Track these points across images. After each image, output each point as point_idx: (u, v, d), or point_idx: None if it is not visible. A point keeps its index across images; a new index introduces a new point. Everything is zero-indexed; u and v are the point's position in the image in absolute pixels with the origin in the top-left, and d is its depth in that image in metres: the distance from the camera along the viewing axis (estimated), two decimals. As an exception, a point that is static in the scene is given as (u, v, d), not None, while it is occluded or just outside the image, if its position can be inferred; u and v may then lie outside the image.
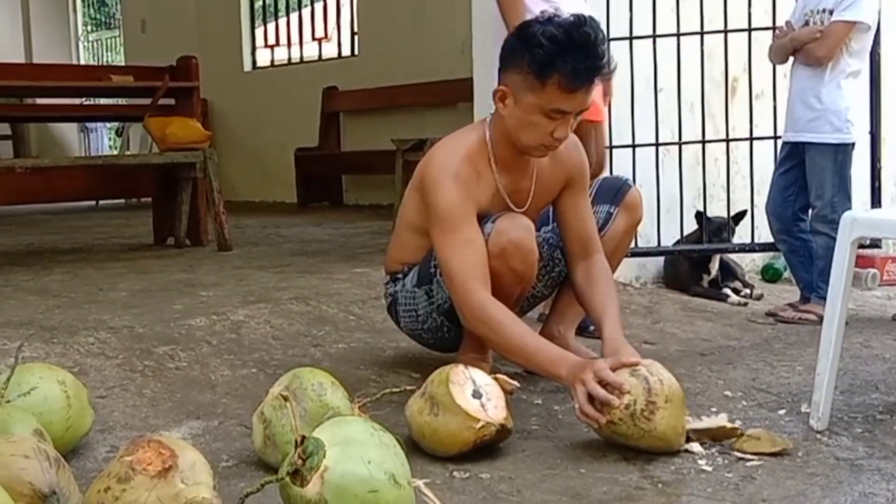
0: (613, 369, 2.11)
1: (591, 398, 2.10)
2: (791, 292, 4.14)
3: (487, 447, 2.11)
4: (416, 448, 2.12)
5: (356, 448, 1.63)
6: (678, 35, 4.04)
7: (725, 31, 4.05)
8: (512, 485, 1.97)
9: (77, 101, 10.08)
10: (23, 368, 2.11)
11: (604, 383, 2.09)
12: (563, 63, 2.29)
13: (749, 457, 2.09)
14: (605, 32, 2.42)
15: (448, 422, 2.08)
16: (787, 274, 4.54)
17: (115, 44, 13.68)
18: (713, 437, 2.17)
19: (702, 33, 4.05)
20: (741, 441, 2.14)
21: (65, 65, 10.03)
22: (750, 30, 4.05)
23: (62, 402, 2.08)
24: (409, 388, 2.21)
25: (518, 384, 2.23)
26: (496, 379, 2.18)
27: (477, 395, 2.11)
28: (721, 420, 2.21)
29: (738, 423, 2.25)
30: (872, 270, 4.50)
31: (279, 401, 2.01)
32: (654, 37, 4.02)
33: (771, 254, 4.59)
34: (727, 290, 4.16)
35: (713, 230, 4.11)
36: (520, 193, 2.59)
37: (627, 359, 2.14)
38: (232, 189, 8.76)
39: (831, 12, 3.53)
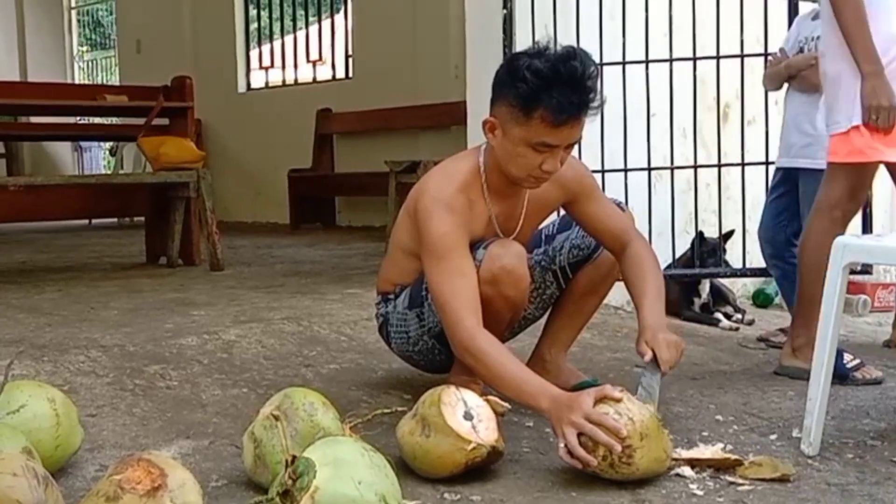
0: (596, 401, 2.10)
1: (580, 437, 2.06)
2: (782, 318, 4.15)
3: (478, 469, 2.10)
4: (406, 469, 2.11)
5: (347, 469, 1.63)
6: (671, 60, 4.06)
7: (718, 58, 4.08)
8: (503, 507, 1.96)
9: (71, 120, 10.10)
10: (12, 386, 2.11)
11: (598, 424, 2.05)
12: (547, 97, 2.28)
13: (740, 481, 2.09)
14: (598, 66, 2.39)
15: (439, 443, 2.07)
16: (777, 299, 4.55)
17: (110, 64, 13.71)
18: (715, 466, 2.16)
19: (694, 59, 4.07)
20: (743, 468, 2.13)
21: (59, 83, 10.04)
22: (742, 56, 4.08)
23: (51, 421, 2.07)
24: (400, 409, 2.21)
25: (510, 406, 2.22)
26: (488, 401, 2.17)
27: (468, 416, 2.10)
28: (718, 450, 2.21)
29: (729, 448, 2.25)
30: (863, 297, 4.51)
31: (270, 420, 2.00)
32: (647, 62, 4.05)
33: (762, 279, 4.60)
34: (718, 315, 4.17)
35: (708, 251, 4.12)
36: (511, 220, 2.60)
37: (610, 392, 2.12)
38: (225, 209, 8.76)
39: (825, 39, 3.55)
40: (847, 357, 3.09)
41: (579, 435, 2.06)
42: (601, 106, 2.37)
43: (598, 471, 2.06)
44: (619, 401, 2.09)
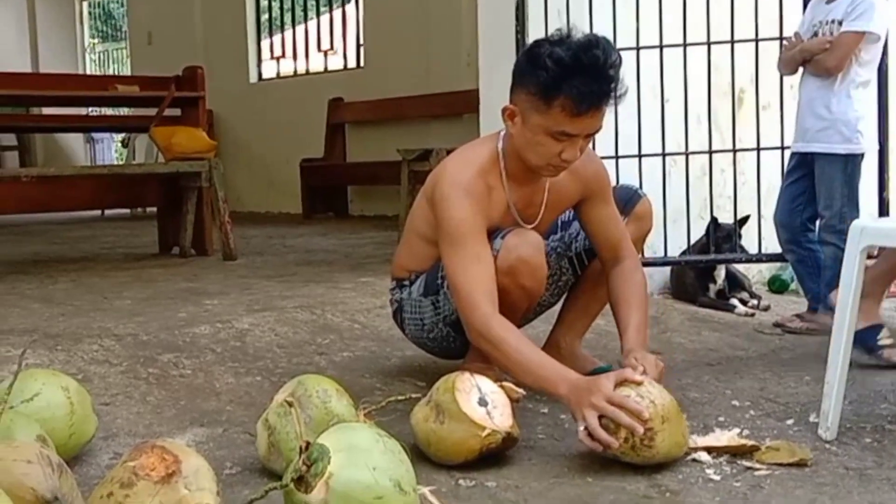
0: (616, 384, 2.08)
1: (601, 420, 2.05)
2: (798, 304, 4.12)
3: (493, 455, 2.09)
4: (421, 456, 2.10)
5: (361, 454, 1.62)
6: (685, 45, 4.03)
7: (732, 42, 4.04)
8: (518, 493, 1.95)
9: (83, 111, 10.11)
10: (26, 374, 2.10)
11: (620, 407, 2.04)
12: (568, 87, 2.26)
13: (757, 466, 2.07)
14: (619, 54, 2.36)
15: (454, 429, 2.06)
16: (793, 285, 4.52)
17: (121, 56, 13.73)
18: (732, 453, 2.14)
19: (708, 44, 4.04)
20: (760, 453, 2.12)
21: (71, 74, 10.05)
22: (757, 40, 4.04)
23: (65, 409, 2.07)
24: (414, 396, 2.20)
25: (524, 392, 2.21)
26: (502, 387, 2.16)
27: (483, 402, 2.09)
28: (734, 436, 2.19)
29: (745, 433, 2.24)
30: (880, 282, 4.46)
31: (284, 407, 2.00)
32: (661, 47, 4.02)
33: (778, 265, 4.57)
34: (734, 301, 4.14)
35: (723, 236, 4.09)
36: (531, 208, 2.58)
37: (631, 375, 2.11)
38: (237, 200, 8.76)
39: (840, 23, 3.52)
40: (883, 333, 3.05)
41: (600, 418, 2.05)
42: (623, 95, 2.35)
43: (619, 454, 2.04)
44: (639, 384, 2.08)
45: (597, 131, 2.39)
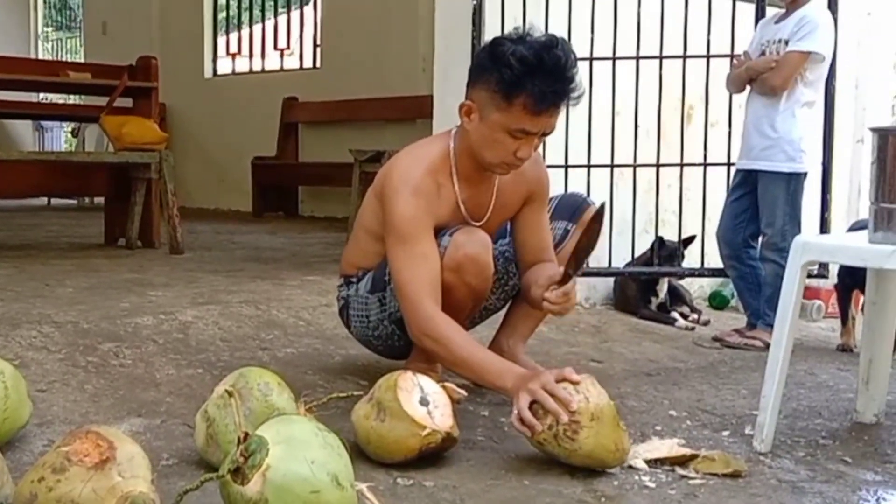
0: (556, 381, 2.11)
1: (532, 406, 2.09)
2: (737, 319, 4.19)
3: (432, 455, 2.10)
4: (360, 454, 2.10)
5: (300, 447, 1.61)
6: (637, 58, 4.08)
7: (684, 57, 4.10)
8: (455, 493, 1.96)
9: (33, 97, 9.94)
10: (-40, 357, 2.07)
11: (551, 394, 2.08)
12: (531, 85, 2.28)
13: (692, 475, 2.10)
14: (576, 56, 2.40)
15: (394, 428, 2.06)
16: (733, 301, 4.59)
17: (75, 45, 13.54)
18: (672, 463, 2.17)
19: (661, 57, 4.09)
20: (696, 462, 2.15)
21: (22, 58, 9.87)
22: (708, 56, 4.10)
23: (-1, 393, 2.04)
24: (356, 393, 2.20)
25: (466, 394, 2.22)
26: (444, 387, 2.17)
27: (424, 402, 2.10)
28: (674, 444, 2.22)
29: (681, 443, 2.26)
30: (818, 302, 4.55)
31: (224, 399, 1.98)
32: (614, 59, 4.06)
33: (719, 280, 4.64)
34: (675, 314, 4.19)
35: (666, 255, 4.15)
36: (480, 208, 2.59)
37: (570, 375, 2.13)
38: (187, 195, 8.68)
39: (787, 42, 3.58)
40: None
41: (532, 403, 2.07)
42: (580, 96, 2.38)
43: (543, 440, 2.07)
44: (577, 383, 2.10)
45: (552, 130, 2.42)
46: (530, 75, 2.28)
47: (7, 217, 7.92)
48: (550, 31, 3.79)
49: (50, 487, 1.49)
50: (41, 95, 10.92)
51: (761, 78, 3.65)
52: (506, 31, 3.83)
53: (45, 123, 11.77)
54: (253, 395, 2.02)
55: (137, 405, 2.46)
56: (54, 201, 10.00)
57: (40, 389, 2.47)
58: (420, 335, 2.37)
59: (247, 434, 1.63)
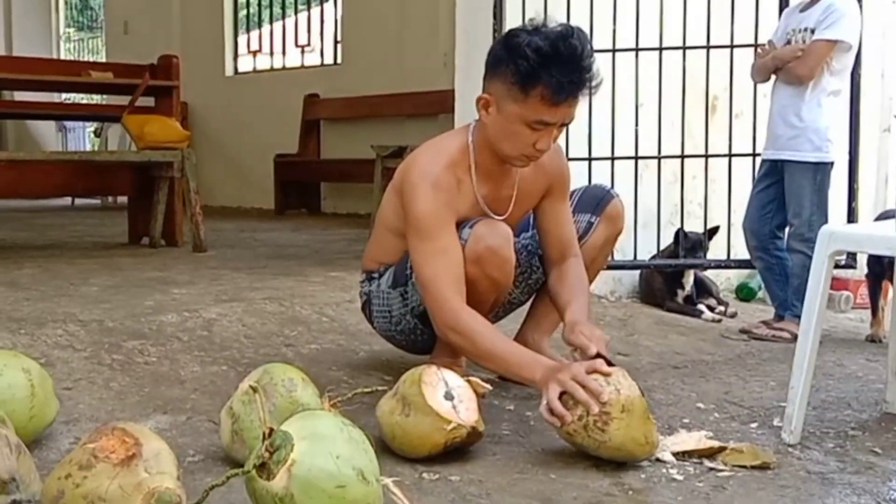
0: (587, 372, 2.09)
1: (562, 397, 2.08)
2: (764, 311, 4.15)
3: (458, 450, 2.09)
4: (385, 449, 2.09)
5: (325, 443, 1.61)
6: (661, 49, 4.05)
7: (708, 47, 4.07)
8: (481, 487, 1.94)
9: (56, 98, 10.00)
10: (-13, 355, 2.08)
11: (582, 385, 2.07)
12: (547, 75, 2.27)
13: (720, 467, 2.08)
14: (592, 45, 2.38)
15: (419, 423, 2.05)
16: (760, 293, 4.55)
17: (96, 45, 13.61)
18: (700, 455, 2.15)
19: (684, 48, 4.06)
20: (724, 454, 2.13)
21: (45, 59, 9.93)
22: (732, 47, 4.07)
23: (26, 391, 2.04)
24: (380, 388, 2.19)
25: (490, 387, 2.21)
26: (469, 381, 2.16)
27: (449, 396, 2.08)
28: (702, 437, 2.20)
29: (709, 435, 2.24)
30: (846, 293, 4.51)
31: (248, 395, 1.98)
32: (637, 50, 4.03)
33: (746, 272, 4.60)
34: (701, 307, 4.16)
35: (689, 247, 4.11)
36: (500, 202, 2.57)
37: (601, 366, 2.12)
38: (209, 194, 8.70)
39: (813, 31, 3.55)
40: None
41: (562, 394, 2.06)
42: (598, 86, 2.35)
43: (572, 431, 2.05)
44: (608, 375, 2.08)
45: (571, 121, 2.40)
46: (546, 66, 2.27)
47: (32, 217, 7.97)
48: (572, 22, 3.81)
49: (77, 484, 1.49)
50: (64, 96, 10.97)
51: (787, 67, 3.61)
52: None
53: (68, 124, 11.85)
54: (277, 391, 2.02)
55: (163, 402, 2.46)
56: (78, 201, 10.06)
57: (66, 387, 2.48)
58: (445, 329, 2.36)
59: (272, 430, 1.62)
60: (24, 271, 4.36)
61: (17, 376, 2.04)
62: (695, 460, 2.12)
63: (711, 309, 4.19)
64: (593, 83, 2.34)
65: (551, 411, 2.08)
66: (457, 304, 2.33)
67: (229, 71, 10.45)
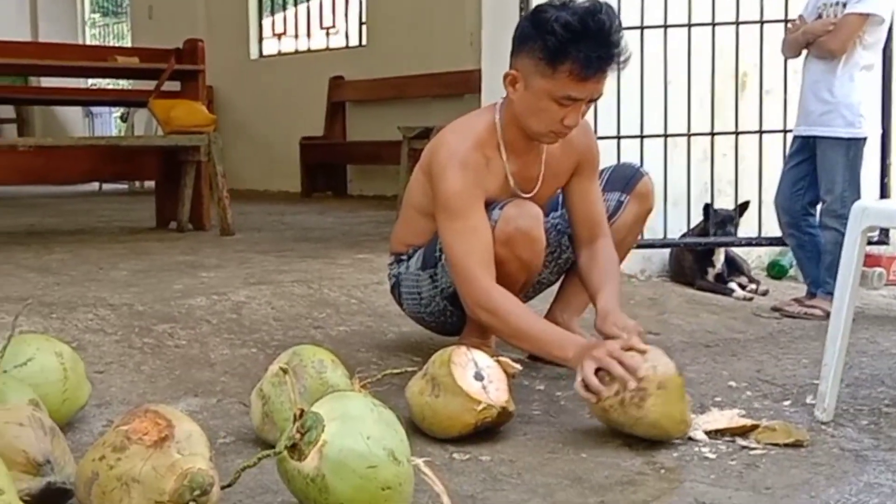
0: (623, 349, 2.08)
1: (597, 374, 2.07)
2: (796, 289, 4.11)
3: (488, 430, 2.09)
4: (415, 430, 2.10)
5: (355, 423, 1.60)
6: (689, 26, 4.01)
7: (737, 23, 4.02)
8: (513, 467, 1.94)
9: (82, 84, 10.04)
10: (20, 339, 2.09)
11: (619, 362, 2.05)
12: (575, 51, 2.25)
13: (753, 445, 2.07)
14: (620, 20, 2.36)
15: (449, 403, 2.05)
16: (792, 271, 4.51)
17: (122, 30, 13.67)
18: (733, 434, 2.13)
19: (713, 24, 4.01)
20: (757, 432, 2.11)
21: (70, 44, 9.98)
22: (762, 22, 4.02)
23: (59, 374, 2.05)
24: (409, 370, 2.19)
25: (520, 367, 2.20)
26: (498, 362, 2.15)
27: (479, 377, 2.08)
28: (735, 415, 2.18)
29: (742, 413, 2.22)
30: (879, 269, 4.45)
31: (279, 377, 1.98)
32: (665, 27, 3.99)
33: (777, 250, 4.56)
34: (732, 285, 4.12)
35: (718, 222, 4.07)
36: (528, 180, 2.56)
37: (637, 344, 2.10)
38: (236, 177, 8.70)
39: (845, 5, 3.50)
40: None
41: (598, 371, 2.05)
42: (627, 61, 2.33)
43: (608, 407, 2.05)
44: (644, 352, 2.07)
45: (599, 96, 2.38)
46: (575, 41, 2.24)
47: (60, 203, 8.02)
48: None
49: (111, 466, 1.50)
50: (90, 81, 11.02)
51: (819, 41, 3.56)
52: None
53: (95, 109, 11.92)
54: (307, 372, 2.02)
55: (193, 385, 2.47)
56: (105, 187, 10.12)
57: (98, 371, 2.50)
58: (477, 309, 2.35)
59: (302, 411, 1.62)
60: (54, 256, 4.38)
61: (49, 360, 2.06)
62: (727, 438, 2.11)
63: (742, 287, 4.15)
64: (622, 58, 2.32)
65: (587, 388, 2.07)
66: (488, 282, 2.33)
67: (254, 54, 10.45)
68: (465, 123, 2.54)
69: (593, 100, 2.38)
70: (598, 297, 2.49)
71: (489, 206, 2.43)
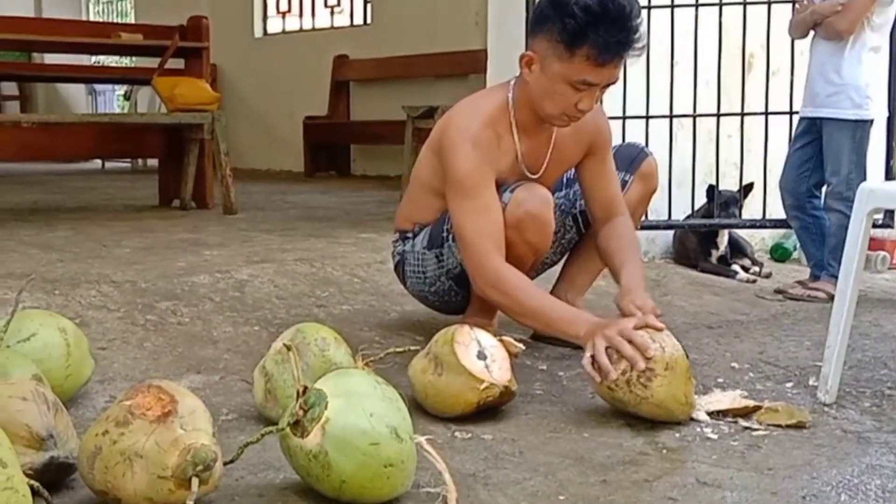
0: (636, 328, 2.08)
1: (606, 351, 2.07)
2: (800, 272, 4.11)
3: (490, 409, 2.09)
4: (418, 408, 2.10)
5: (358, 400, 1.61)
6: (696, 5, 3.99)
7: (745, 3, 4.00)
8: (514, 446, 1.94)
9: (85, 60, 10.01)
10: (23, 315, 2.09)
11: (629, 341, 2.05)
12: (595, 35, 2.22)
13: (755, 426, 2.07)
14: (639, 5, 2.33)
15: (451, 382, 2.05)
16: (795, 254, 4.50)
17: (125, 8, 13.61)
18: (735, 415, 2.13)
19: (720, 4, 4.00)
20: (759, 413, 2.11)
21: (74, 20, 9.94)
22: (770, 2, 3.99)
23: (62, 350, 2.06)
24: (412, 348, 2.19)
25: (523, 347, 2.20)
26: (501, 341, 2.15)
27: (482, 356, 2.08)
28: (736, 397, 2.18)
29: (744, 394, 2.22)
30: (882, 253, 4.45)
31: (282, 354, 1.98)
32: (672, 6, 3.97)
33: (781, 233, 4.55)
34: (736, 267, 4.12)
35: (722, 203, 4.06)
36: (537, 160, 2.55)
37: (654, 322, 2.10)
38: (239, 156, 8.71)
39: (854, -15, 3.47)
40: None
41: (607, 349, 2.06)
42: (644, 46, 2.31)
43: (613, 387, 2.05)
44: (660, 330, 2.08)
45: (615, 82, 2.36)
46: (594, 25, 2.22)
47: (63, 180, 8.01)
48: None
49: (114, 440, 1.50)
50: (93, 59, 10.99)
51: (827, 22, 3.54)
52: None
53: (98, 87, 11.87)
54: (310, 349, 2.02)
55: (196, 362, 2.47)
56: (108, 164, 10.11)
57: (101, 347, 2.50)
58: (486, 287, 2.34)
59: (306, 388, 1.62)
60: (58, 233, 4.38)
61: (53, 336, 2.06)
62: (729, 419, 2.11)
63: (746, 269, 4.14)
64: (639, 44, 2.30)
65: (594, 365, 2.07)
66: (498, 261, 2.33)
67: (258, 32, 10.41)
68: (475, 101, 2.52)
69: (609, 85, 2.36)
70: (622, 273, 2.48)
71: (498, 187, 2.42)
